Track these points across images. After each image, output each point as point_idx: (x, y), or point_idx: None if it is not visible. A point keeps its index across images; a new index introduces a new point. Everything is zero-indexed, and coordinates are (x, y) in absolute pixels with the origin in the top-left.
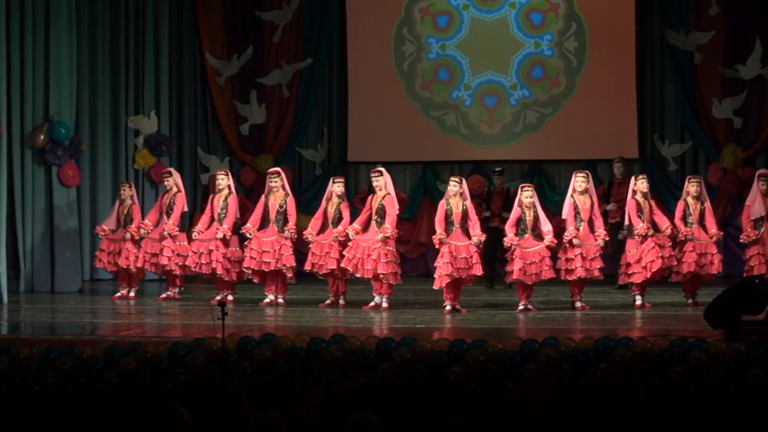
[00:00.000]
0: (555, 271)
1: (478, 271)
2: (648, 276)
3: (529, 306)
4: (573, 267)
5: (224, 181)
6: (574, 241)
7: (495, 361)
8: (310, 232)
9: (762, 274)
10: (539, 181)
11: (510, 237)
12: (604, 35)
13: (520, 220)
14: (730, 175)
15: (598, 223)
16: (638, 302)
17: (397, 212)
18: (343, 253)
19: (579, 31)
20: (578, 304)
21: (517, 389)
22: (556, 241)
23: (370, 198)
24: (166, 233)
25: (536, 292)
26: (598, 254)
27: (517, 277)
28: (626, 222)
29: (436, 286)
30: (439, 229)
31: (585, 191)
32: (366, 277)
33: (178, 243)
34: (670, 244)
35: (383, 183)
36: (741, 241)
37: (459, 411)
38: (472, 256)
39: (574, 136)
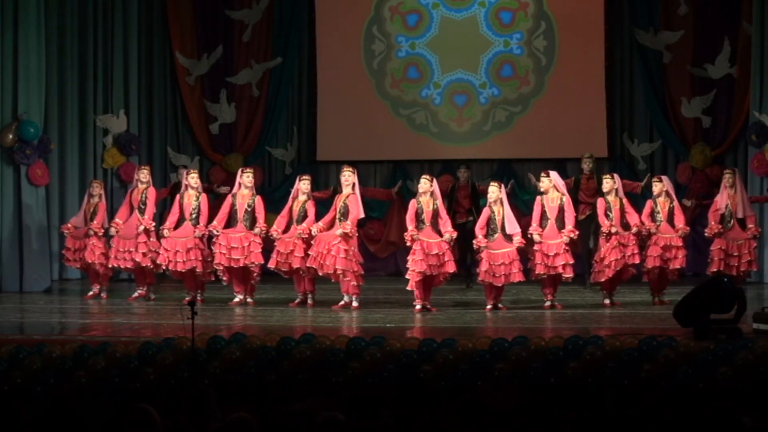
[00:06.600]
0: (524, 274)
1: (450, 268)
2: (610, 275)
3: (499, 305)
4: (533, 265)
5: (194, 180)
6: (535, 237)
7: (465, 360)
8: (275, 230)
9: (720, 270)
10: (509, 180)
11: (479, 239)
12: (573, 34)
13: (490, 220)
14: (698, 174)
15: (569, 220)
16: (607, 301)
17: (361, 214)
18: (308, 252)
19: (548, 30)
20: (547, 303)
21: (486, 389)
22: (525, 242)
23: (336, 197)
24: (142, 228)
25: (506, 291)
26: (563, 251)
27: (484, 278)
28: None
29: (409, 287)
30: (410, 226)
31: (548, 191)
32: (327, 273)
33: (152, 239)
34: (635, 242)
35: (351, 181)
36: (705, 234)
37: (429, 410)
38: (444, 253)
39: (544, 135)
